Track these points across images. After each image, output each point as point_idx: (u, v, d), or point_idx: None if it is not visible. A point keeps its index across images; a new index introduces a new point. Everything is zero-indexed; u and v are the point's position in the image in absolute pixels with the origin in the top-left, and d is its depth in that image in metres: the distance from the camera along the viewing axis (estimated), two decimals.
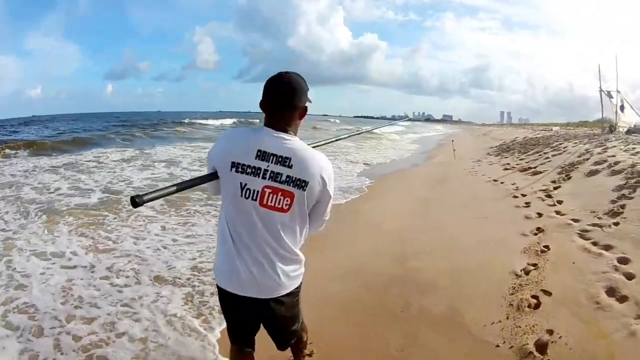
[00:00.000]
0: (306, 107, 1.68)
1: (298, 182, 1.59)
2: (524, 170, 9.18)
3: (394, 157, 16.40)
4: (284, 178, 1.58)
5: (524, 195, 6.51)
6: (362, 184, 8.99)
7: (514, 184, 7.67)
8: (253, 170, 1.58)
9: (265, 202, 1.60)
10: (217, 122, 39.78)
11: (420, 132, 43.45)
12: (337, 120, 68.61)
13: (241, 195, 1.60)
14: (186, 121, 38.57)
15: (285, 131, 1.62)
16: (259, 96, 1.65)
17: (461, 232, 4.98)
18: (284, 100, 1.61)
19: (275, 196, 1.60)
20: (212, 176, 1.66)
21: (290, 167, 1.58)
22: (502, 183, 8.03)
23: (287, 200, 1.60)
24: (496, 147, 17.76)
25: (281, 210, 1.61)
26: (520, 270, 3.46)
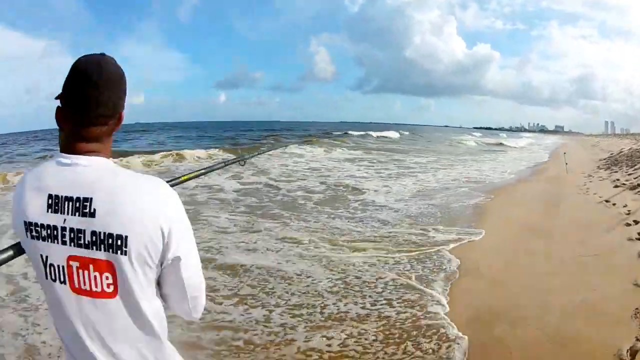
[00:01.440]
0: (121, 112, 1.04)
1: (109, 242, 0.92)
2: (634, 188, 7.77)
3: (510, 170, 15.23)
4: (88, 237, 0.92)
5: (636, 223, 5.29)
6: (468, 207, 8.00)
7: (626, 206, 6.43)
8: (48, 231, 0.95)
9: (77, 284, 0.94)
10: (374, 134, 38.33)
11: (540, 143, 42.15)
12: (478, 134, 63.65)
13: (46, 277, 0.97)
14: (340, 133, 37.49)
15: (88, 153, 0.97)
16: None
17: (563, 280, 4.11)
18: (93, 100, 0.96)
19: (86, 272, 0.94)
20: (11, 251, 1.03)
21: (92, 214, 0.92)
22: (614, 204, 6.78)
23: (106, 277, 0.93)
24: (605, 159, 15.88)
25: (103, 295, 0.94)
26: (626, 352, 2.60)
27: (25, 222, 0.97)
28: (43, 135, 40.21)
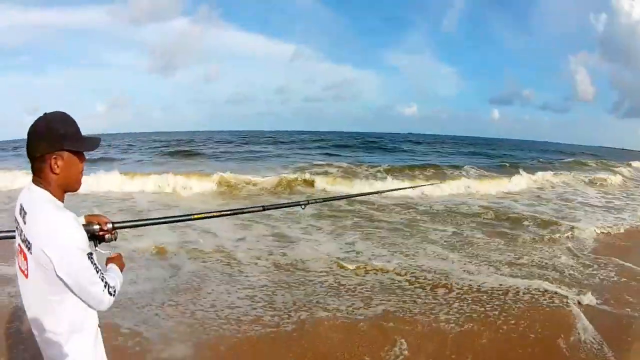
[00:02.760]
0: (57, 156, 1.36)
1: (27, 242, 1.34)
2: None
3: None
4: (23, 235, 1.37)
5: None
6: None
7: None
8: (17, 225, 1.42)
9: (18, 262, 1.41)
10: None
11: None
12: None
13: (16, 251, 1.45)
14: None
15: (37, 183, 1.39)
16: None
17: None
18: (27, 147, 1.37)
19: (21, 256, 1.38)
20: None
21: (25, 221, 1.36)
22: None
23: (24, 263, 1.36)
24: None
25: (24, 274, 1.38)
26: None
27: (15, 218, 1.44)
28: (298, 136, 43.66)
